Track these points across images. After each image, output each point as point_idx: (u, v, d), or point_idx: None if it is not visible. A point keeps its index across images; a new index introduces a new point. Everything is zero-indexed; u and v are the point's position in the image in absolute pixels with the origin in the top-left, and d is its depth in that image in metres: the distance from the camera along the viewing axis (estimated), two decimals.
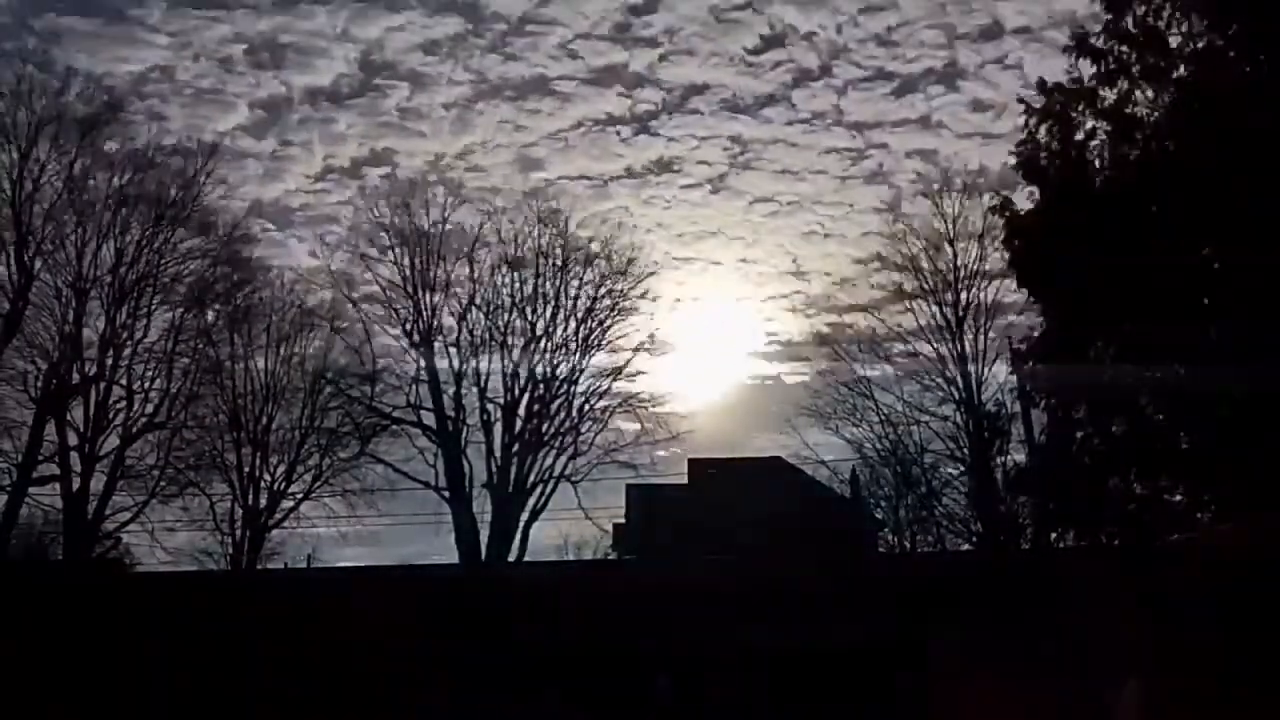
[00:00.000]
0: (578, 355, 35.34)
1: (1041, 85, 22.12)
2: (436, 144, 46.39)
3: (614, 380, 35.49)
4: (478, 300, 35.33)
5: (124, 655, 23.11)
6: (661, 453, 35.89)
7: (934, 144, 55.29)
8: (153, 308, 32.02)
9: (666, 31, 44.21)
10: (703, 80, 51.81)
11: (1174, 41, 20.73)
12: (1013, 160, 22.49)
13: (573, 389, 35.21)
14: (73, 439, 30.33)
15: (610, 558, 37.41)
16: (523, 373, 34.86)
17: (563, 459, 34.44)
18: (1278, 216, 17.74)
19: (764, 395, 62.52)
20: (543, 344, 35.17)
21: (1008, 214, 23.11)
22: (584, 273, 35.70)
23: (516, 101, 46.63)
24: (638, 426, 35.06)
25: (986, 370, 31.43)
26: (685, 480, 38.23)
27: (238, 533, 32.77)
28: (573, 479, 34.29)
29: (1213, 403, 18.52)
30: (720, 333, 59.24)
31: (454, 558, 33.01)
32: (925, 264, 32.73)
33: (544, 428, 34.67)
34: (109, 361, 31.12)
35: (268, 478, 33.61)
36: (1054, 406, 23.41)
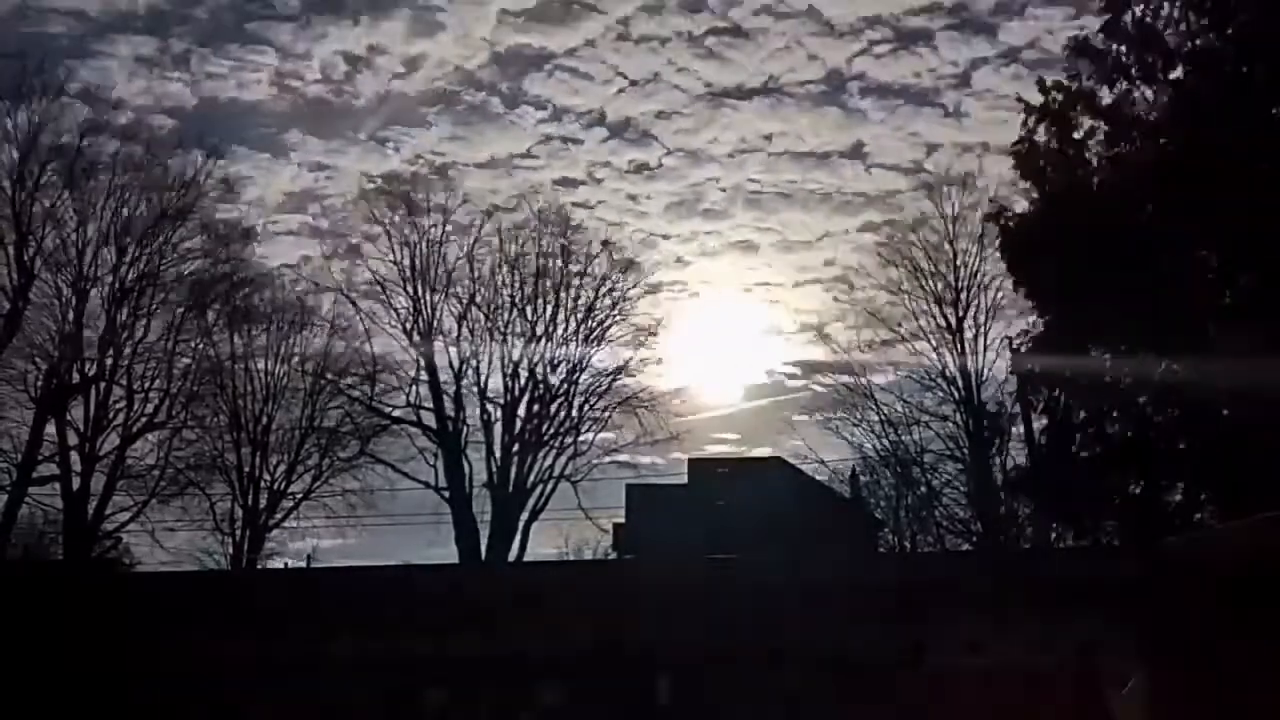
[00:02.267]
0: (578, 355, 35.38)
1: (1041, 84, 22.17)
2: None
3: (614, 380, 35.54)
4: (478, 300, 35.38)
5: (123, 655, 23.09)
6: (661, 456, 35.98)
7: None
8: (153, 307, 32.05)
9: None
10: None
11: (1171, 41, 20.78)
12: (1011, 160, 22.57)
13: (573, 389, 35.26)
14: (72, 439, 30.35)
15: (610, 558, 37.39)
16: (523, 372, 34.91)
17: (563, 459, 34.48)
18: (1274, 216, 17.77)
19: (764, 395, 62.67)
20: (543, 344, 35.22)
21: (1003, 221, 23.17)
22: (584, 271, 35.75)
23: None
24: (638, 426, 35.13)
25: (986, 371, 31.51)
26: (685, 480, 38.23)
27: (238, 533, 32.81)
28: (573, 479, 34.32)
29: (1212, 403, 18.55)
30: (720, 334, 59.24)
31: (453, 557, 33.04)
32: (925, 265, 32.78)
33: (544, 428, 34.67)
34: (109, 361, 31.12)
35: (267, 478, 33.65)
36: (1053, 407, 23.43)
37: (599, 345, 35.54)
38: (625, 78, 47.13)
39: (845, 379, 33.45)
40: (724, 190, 57.23)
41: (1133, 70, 21.01)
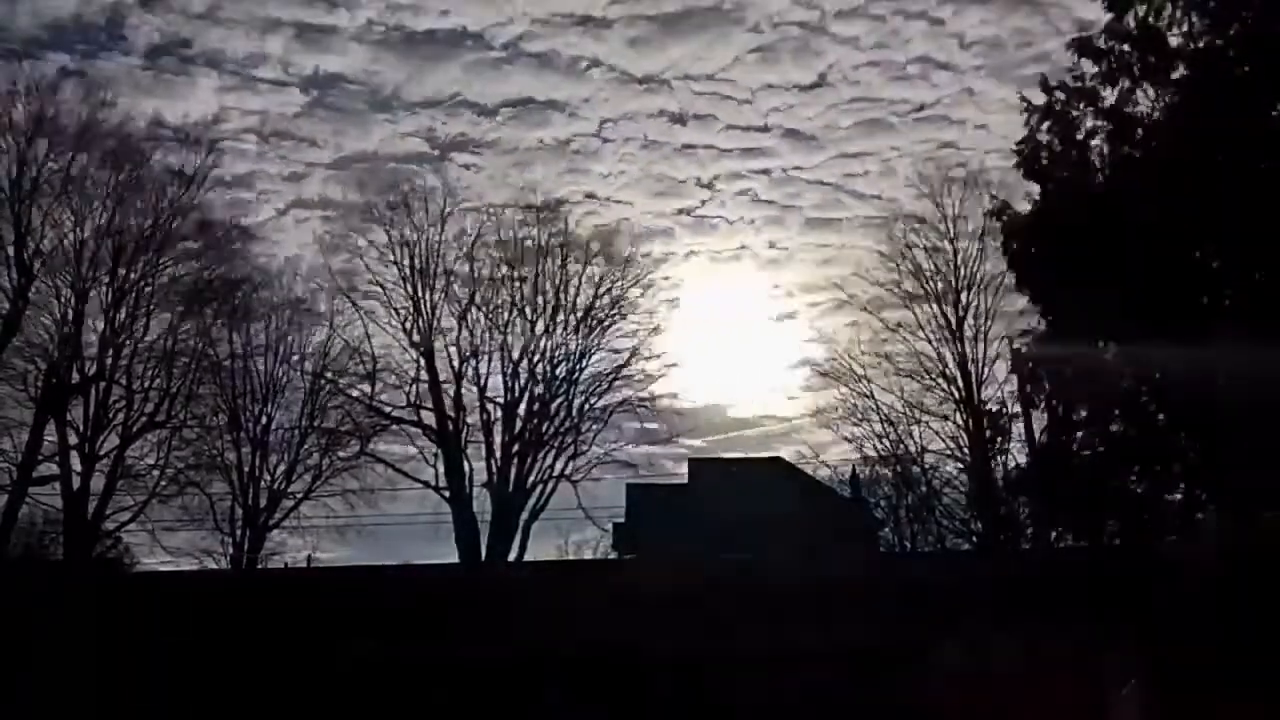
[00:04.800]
0: (578, 355, 35.35)
1: (1044, 83, 22.14)
2: None
3: (614, 380, 35.50)
4: (478, 300, 35.33)
5: (125, 655, 23.11)
6: (661, 456, 35.93)
7: None
8: (152, 307, 32.04)
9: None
10: None
11: (1174, 41, 20.78)
12: (1014, 159, 22.52)
13: (573, 388, 35.22)
14: (73, 438, 30.33)
15: (610, 558, 37.36)
16: (523, 372, 34.87)
17: (563, 459, 34.44)
18: (1276, 216, 17.77)
19: (764, 396, 62.70)
20: (543, 343, 35.18)
21: (1005, 217, 23.15)
22: (584, 271, 35.70)
23: None
24: (638, 426, 35.11)
25: (986, 370, 31.52)
26: (685, 480, 38.20)
27: (238, 532, 32.77)
28: (573, 479, 34.28)
29: (1213, 403, 18.53)
30: (720, 332, 59.36)
31: (453, 557, 33.00)
32: (926, 264, 32.82)
33: (544, 427, 34.63)
34: (108, 361, 31.11)
35: (267, 478, 33.63)
36: (1054, 407, 23.40)
37: (599, 345, 35.52)
38: None
39: (845, 379, 33.46)
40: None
41: (1135, 70, 21.01)
